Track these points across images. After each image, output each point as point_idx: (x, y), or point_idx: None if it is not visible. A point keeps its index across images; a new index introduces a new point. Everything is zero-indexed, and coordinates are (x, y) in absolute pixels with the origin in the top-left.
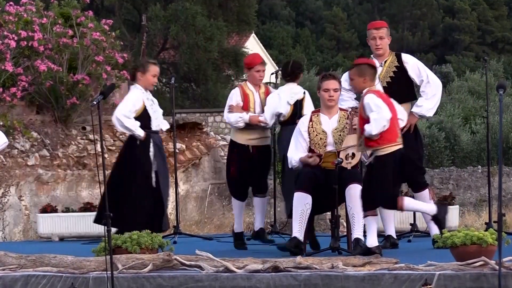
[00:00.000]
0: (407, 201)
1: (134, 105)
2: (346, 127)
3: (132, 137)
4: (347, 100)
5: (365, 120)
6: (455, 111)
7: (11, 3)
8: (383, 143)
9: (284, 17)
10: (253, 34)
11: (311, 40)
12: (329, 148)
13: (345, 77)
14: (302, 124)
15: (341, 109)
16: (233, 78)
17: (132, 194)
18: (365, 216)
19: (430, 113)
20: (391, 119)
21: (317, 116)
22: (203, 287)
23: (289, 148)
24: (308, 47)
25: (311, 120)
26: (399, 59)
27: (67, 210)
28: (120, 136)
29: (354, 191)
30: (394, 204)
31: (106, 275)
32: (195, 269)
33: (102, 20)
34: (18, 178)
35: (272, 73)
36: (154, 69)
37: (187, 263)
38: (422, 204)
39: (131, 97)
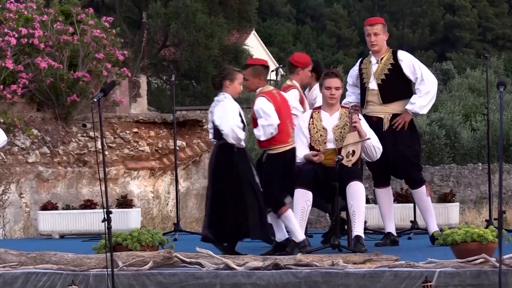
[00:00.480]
0: (288, 214)
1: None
2: (347, 124)
3: (229, 148)
4: (350, 95)
5: (257, 121)
6: (456, 108)
7: (11, 0)
8: (275, 144)
9: (285, 14)
10: (254, 31)
11: (312, 37)
12: (329, 145)
13: (350, 73)
14: (303, 121)
15: (342, 106)
16: None
17: (244, 203)
18: (279, 217)
19: (423, 110)
20: (281, 122)
21: (318, 113)
22: (204, 284)
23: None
24: (309, 44)
25: (311, 116)
26: (395, 57)
27: (67, 207)
28: (121, 134)
29: (354, 189)
30: (276, 206)
31: (106, 272)
32: (195, 266)
33: (103, 17)
34: (18, 176)
35: (272, 70)
36: (240, 77)
37: (188, 260)
38: (295, 226)
39: (233, 107)
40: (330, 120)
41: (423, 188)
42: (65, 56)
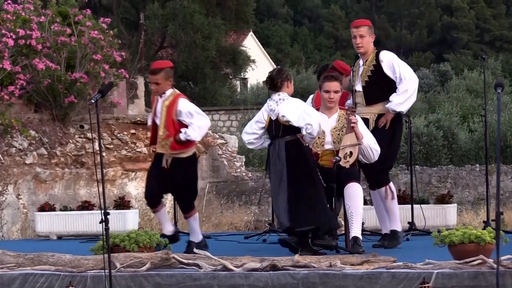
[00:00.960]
0: (196, 215)
1: None
2: (344, 126)
3: (300, 144)
4: (350, 98)
5: (176, 122)
6: (453, 109)
7: (9, 1)
8: (190, 146)
9: (282, 15)
10: (251, 33)
11: (309, 38)
12: (327, 146)
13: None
14: None
15: (341, 108)
16: (231, 77)
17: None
18: (187, 218)
19: (400, 108)
20: None
21: None
22: (201, 285)
23: None
24: (306, 45)
25: None
26: (377, 57)
27: (65, 208)
28: (118, 135)
29: (352, 190)
30: (189, 208)
31: (104, 273)
32: (193, 267)
33: (100, 18)
34: (16, 177)
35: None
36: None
37: (185, 261)
38: (197, 227)
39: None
40: (328, 122)
41: (381, 190)
42: (63, 57)
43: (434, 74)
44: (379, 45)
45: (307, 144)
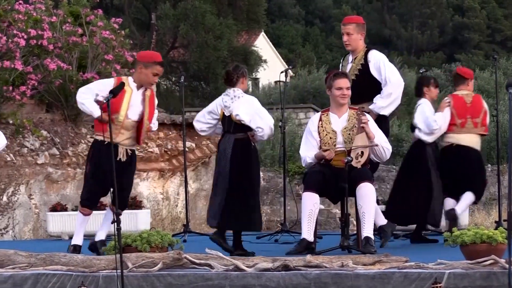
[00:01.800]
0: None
1: None
2: (355, 126)
3: (248, 143)
4: None
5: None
6: None
7: (20, 1)
8: None
9: (294, 15)
10: (263, 33)
11: (321, 38)
12: (339, 147)
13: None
14: (312, 124)
15: (350, 107)
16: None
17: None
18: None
19: (383, 111)
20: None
21: (327, 115)
22: (213, 285)
23: (300, 148)
24: (318, 45)
25: (320, 119)
26: (366, 56)
27: (77, 208)
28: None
29: (364, 190)
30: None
31: (116, 273)
32: (205, 267)
33: (112, 18)
34: (27, 177)
35: (281, 72)
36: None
37: (197, 261)
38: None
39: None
40: (339, 122)
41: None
42: (74, 58)
43: (446, 74)
44: (390, 45)
45: (254, 144)
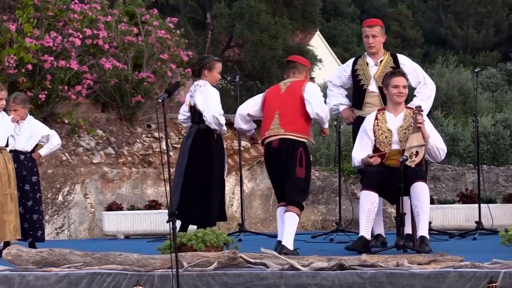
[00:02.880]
0: None
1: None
2: (411, 125)
3: (210, 134)
4: (337, 96)
5: None
6: None
7: (76, 1)
8: None
9: (349, 14)
10: (318, 32)
11: None
12: (394, 146)
13: (337, 73)
14: (368, 122)
15: (407, 107)
16: None
17: (216, 189)
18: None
19: (426, 112)
20: None
21: (383, 114)
22: (268, 285)
23: (354, 147)
24: None
25: (376, 118)
26: (395, 60)
27: (132, 208)
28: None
29: (419, 189)
30: None
31: (171, 273)
32: (260, 267)
33: (167, 18)
34: (83, 176)
35: None
36: (219, 66)
37: (252, 261)
38: None
39: (216, 95)
40: (395, 121)
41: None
42: (130, 57)
43: (501, 73)
44: (446, 44)
45: (217, 135)
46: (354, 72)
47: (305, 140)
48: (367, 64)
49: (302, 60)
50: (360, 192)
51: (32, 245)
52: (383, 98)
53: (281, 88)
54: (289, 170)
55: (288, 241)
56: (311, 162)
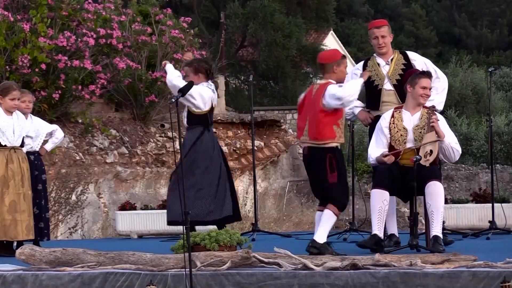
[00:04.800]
0: None
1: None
2: (426, 125)
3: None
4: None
5: None
6: None
7: (90, 1)
8: None
9: (363, 14)
10: (332, 31)
11: None
12: (409, 145)
13: (347, 79)
14: (384, 120)
15: (424, 106)
16: (311, 76)
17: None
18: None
19: (440, 106)
20: None
21: (399, 112)
22: (282, 284)
23: (370, 144)
24: None
25: (393, 116)
26: (406, 57)
27: (145, 207)
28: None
29: (433, 188)
30: None
31: (184, 272)
32: (273, 266)
33: (181, 17)
34: (97, 176)
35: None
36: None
37: (266, 260)
38: None
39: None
40: (411, 120)
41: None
42: (143, 57)
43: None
44: (460, 43)
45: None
46: (362, 75)
47: (333, 145)
48: (378, 64)
49: (324, 58)
50: (371, 191)
51: (36, 243)
52: (399, 95)
53: (314, 90)
54: (321, 177)
55: (318, 236)
56: (344, 162)
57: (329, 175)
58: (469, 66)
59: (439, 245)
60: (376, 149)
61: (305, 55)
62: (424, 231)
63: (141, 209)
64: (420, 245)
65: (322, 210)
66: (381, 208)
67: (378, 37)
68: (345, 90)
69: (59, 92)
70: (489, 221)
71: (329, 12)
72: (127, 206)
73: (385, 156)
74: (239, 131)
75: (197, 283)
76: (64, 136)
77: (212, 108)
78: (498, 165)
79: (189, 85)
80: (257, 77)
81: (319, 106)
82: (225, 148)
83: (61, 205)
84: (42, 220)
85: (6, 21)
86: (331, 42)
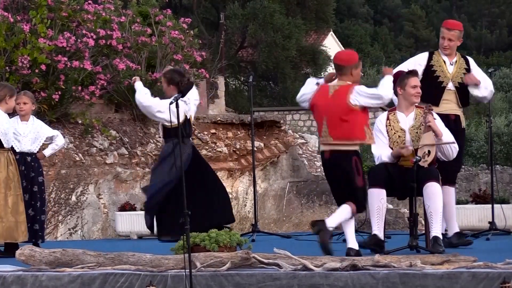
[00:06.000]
0: None
1: None
2: (422, 124)
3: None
4: None
5: None
6: None
7: (89, 1)
8: None
9: (362, 15)
10: (331, 32)
11: (389, 38)
12: (408, 146)
13: (408, 66)
14: (380, 123)
15: (417, 106)
16: (311, 76)
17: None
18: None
19: (483, 92)
20: None
21: (394, 114)
22: (281, 285)
23: (372, 146)
24: (386, 45)
25: (388, 118)
26: (467, 62)
27: None
28: (199, 135)
29: (431, 189)
30: None
31: (184, 273)
32: (273, 267)
33: (181, 18)
34: (96, 177)
35: None
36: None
37: (265, 261)
38: None
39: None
40: (406, 121)
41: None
42: (143, 58)
43: None
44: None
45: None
46: (430, 68)
47: (357, 147)
48: (444, 62)
49: (342, 59)
50: (368, 191)
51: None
52: (460, 98)
53: (330, 90)
54: (346, 180)
55: (331, 220)
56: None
57: (357, 179)
58: None
59: (438, 245)
60: (383, 148)
61: (305, 56)
62: (424, 232)
63: (141, 210)
64: (419, 246)
65: None
66: (380, 207)
67: (445, 38)
68: (385, 90)
69: (59, 93)
70: (489, 222)
71: (329, 13)
72: (126, 207)
73: (402, 148)
74: (239, 132)
75: (196, 284)
76: (64, 137)
77: (187, 120)
78: (498, 166)
79: (189, 86)
80: (257, 78)
81: (344, 106)
82: (225, 149)
83: (61, 206)
84: (37, 222)
85: (6, 22)
86: (331, 43)
